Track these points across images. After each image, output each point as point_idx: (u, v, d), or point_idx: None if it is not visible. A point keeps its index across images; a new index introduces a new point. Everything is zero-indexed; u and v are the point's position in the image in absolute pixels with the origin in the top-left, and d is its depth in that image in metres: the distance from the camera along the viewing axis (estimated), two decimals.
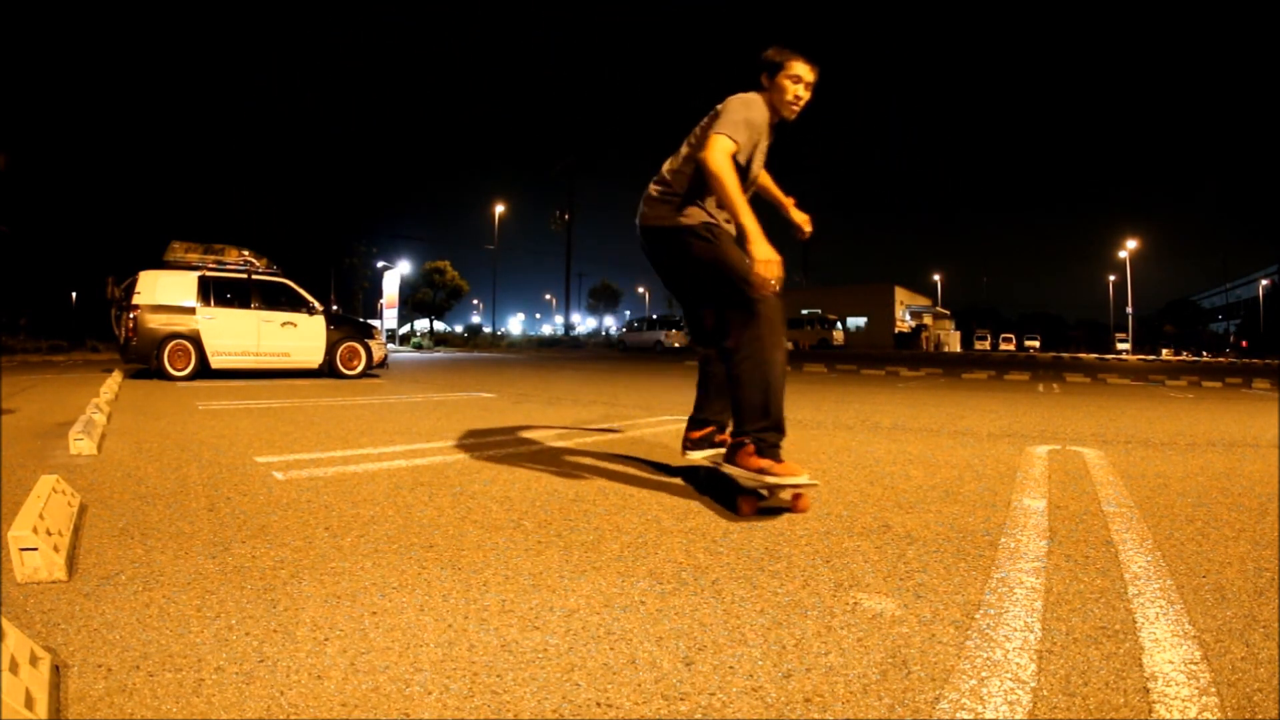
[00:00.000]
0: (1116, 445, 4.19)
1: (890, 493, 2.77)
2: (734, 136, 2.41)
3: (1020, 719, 1.12)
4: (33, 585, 1.63)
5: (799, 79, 2.51)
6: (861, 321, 53.13)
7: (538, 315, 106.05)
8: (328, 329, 9.76)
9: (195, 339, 8.93)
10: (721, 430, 2.85)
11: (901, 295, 57.61)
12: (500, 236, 42.53)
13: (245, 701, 1.15)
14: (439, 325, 48.72)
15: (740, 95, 2.51)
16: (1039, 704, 1.16)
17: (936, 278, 72.55)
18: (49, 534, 1.74)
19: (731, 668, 1.29)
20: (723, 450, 2.77)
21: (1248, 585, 1.74)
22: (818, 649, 1.37)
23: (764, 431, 2.41)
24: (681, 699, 1.18)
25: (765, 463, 2.38)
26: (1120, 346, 50.23)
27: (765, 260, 2.30)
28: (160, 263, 9.24)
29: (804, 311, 44.01)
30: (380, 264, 43.06)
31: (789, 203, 2.97)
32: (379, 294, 36.97)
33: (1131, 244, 52.85)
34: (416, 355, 23.36)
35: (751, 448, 2.41)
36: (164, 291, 8.93)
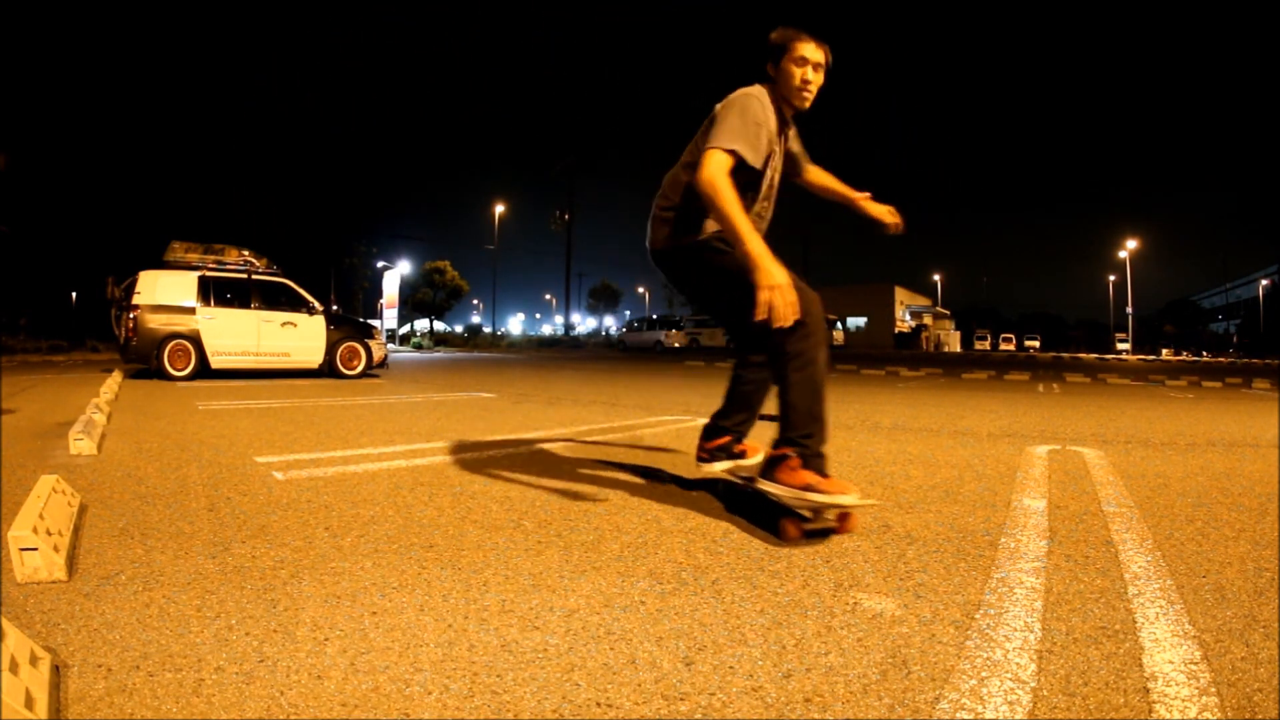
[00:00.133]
0: (1116, 445, 4.19)
1: (890, 493, 2.77)
2: (731, 147, 2.14)
3: (1020, 719, 1.12)
4: (33, 585, 1.63)
5: (805, 60, 2.23)
6: (861, 321, 53.14)
7: (538, 315, 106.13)
8: (328, 329, 9.76)
9: (195, 339, 8.93)
10: (739, 440, 2.67)
11: (901, 295, 57.61)
12: (500, 236, 42.57)
13: (245, 701, 1.15)
14: (439, 325, 48.73)
15: (738, 92, 2.25)
16: (1039, 704, 1.16)
17: (936, 278, 72.61)
18: (49, 534, 1.74)
19: (731, 668, 1.29)
20: (740, 461, 2.64)
21: (1248, 585, 1.74)
22: (818, 649, 1.37)
23: (810, 439, 2.14)
24: (681, 699, 1.18)
25: (811, 478, 2.08)
26: (1120, 346, 50.24)
27: (769, 287, 1.98)
28: (160, 263, 9.24)
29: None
30: (380, 264, 43.06)
31: (862, 198, 2.63)
32: (379, 294, 36.96)
33: (1131, 244, 52.87)
34: (416, 355, 23.36)
35: (796, 461, 2.12)
36: (164, 291, 8.93)
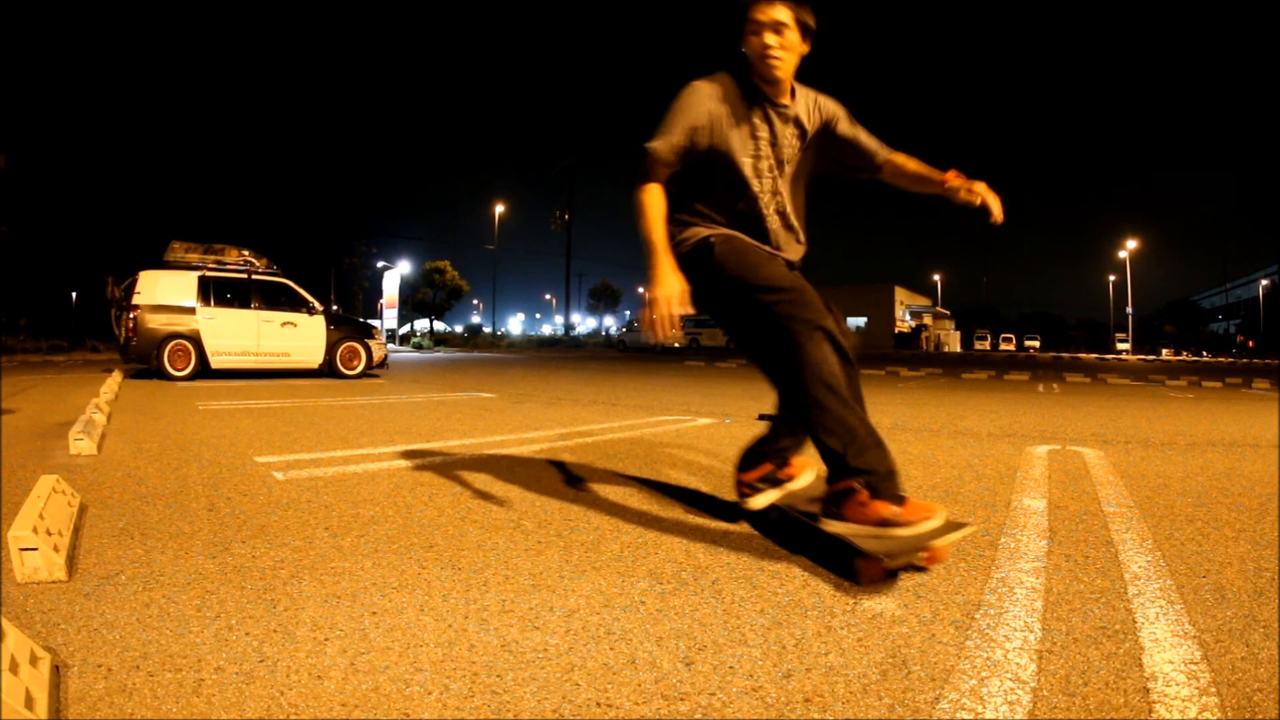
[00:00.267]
0: (1116, 445, 4.19)
1: None
2: (658, 140, 1.93)
3: (1020, 719, 1.12)
4: (33, 585, 1.63)
5: (761, 25, 1.91)
6: (861, 321, 53.14)
7: (538, 315, 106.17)
8: (328, 329, 9.76)
9: (195, 339, 8.94)
10: (783, 465, 2.27)
11: (901, 295, 57.63)
12: (500, 236, 42.58)
13: (245, 701, 1.15)
14: (439, 325, 48.73)
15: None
16: (1039, 704, 1.16)
17: (936, 278, 72.62)
18: (49, 534, 1.74)
19: (731, 668, 1.29)
20: (789, 487, 2.26)
21: (1248, 585, 1.74)
22: (818, 649, 1.37)
23: (867, 460, 1.78)
24: (681, 699, 1.18)
25: (886, 509, 1.74)
26: (1120, 346, 50.24)
27: (652, 298, 1.80)
28: (160, 263, 9.24)
29: None
30: (380, 264, 43.08)
31: (949, 178, 2.07)
32: (379, 294, 36.95)
33: (1131, 244, 52.90)
34: (416, 355, 23.36)
35: (864, 494, 1.77)
36: (164, 291, 8.93)
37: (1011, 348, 51.75)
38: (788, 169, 2.06)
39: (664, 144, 1.94)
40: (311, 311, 9.71)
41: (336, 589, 1.65)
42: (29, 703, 1.00)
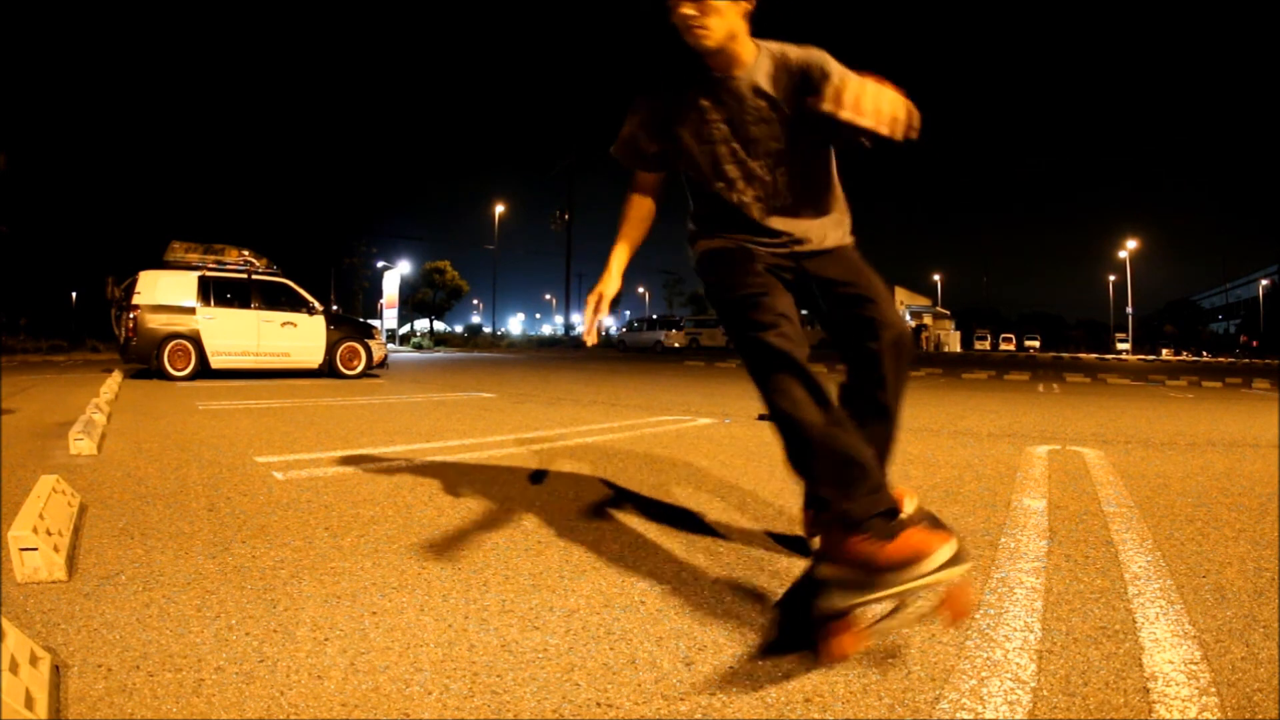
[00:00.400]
0: (1116, 445, 4.19)
1: None
2: (613, 145, 1.84)
3: (1020, 719, 1.12)
4: (33, 585, 1.63)
5: None
6: None
7: (538, 315, 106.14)
8: (328, 329, 9.76)
9: (195, 339, 8.93)
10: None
11: (901, 295, 57.57)
12: (500, 236, 42.57)
13: (245, 701, 1.15)
14: (439, 325, 48.71)
15: None
16: (1039, 704, 1.16)
17: (936, 278, 72.60)
18: (49, 534, 1.74)
19: (731, 668, 1.29)
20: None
21: (1248, 585, 1.74)
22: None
23: (838, 488, 1.45)
24: (681, 699, 1.18)
25: (868, 547, 1.35)
26: (1120, 346, 50.23)
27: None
28: (160, 263, 9.24)
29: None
30: (380, 264, 43.07)
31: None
32: (379, 294, 36.94)
33: (1131, 244, 52.89)
34: (416, 355, 23.36)
35: (848, 531, 1.41)
36: (164, 291, 8.93)
37: (1011, 348, 51.73)
38: (763, 147, 1.69)
39: (614, 147, 1.83)
40: (311, 311, 9.71)
41: (336, 589, 1.65)
42: (29, 703, 1.00)
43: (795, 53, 1.72)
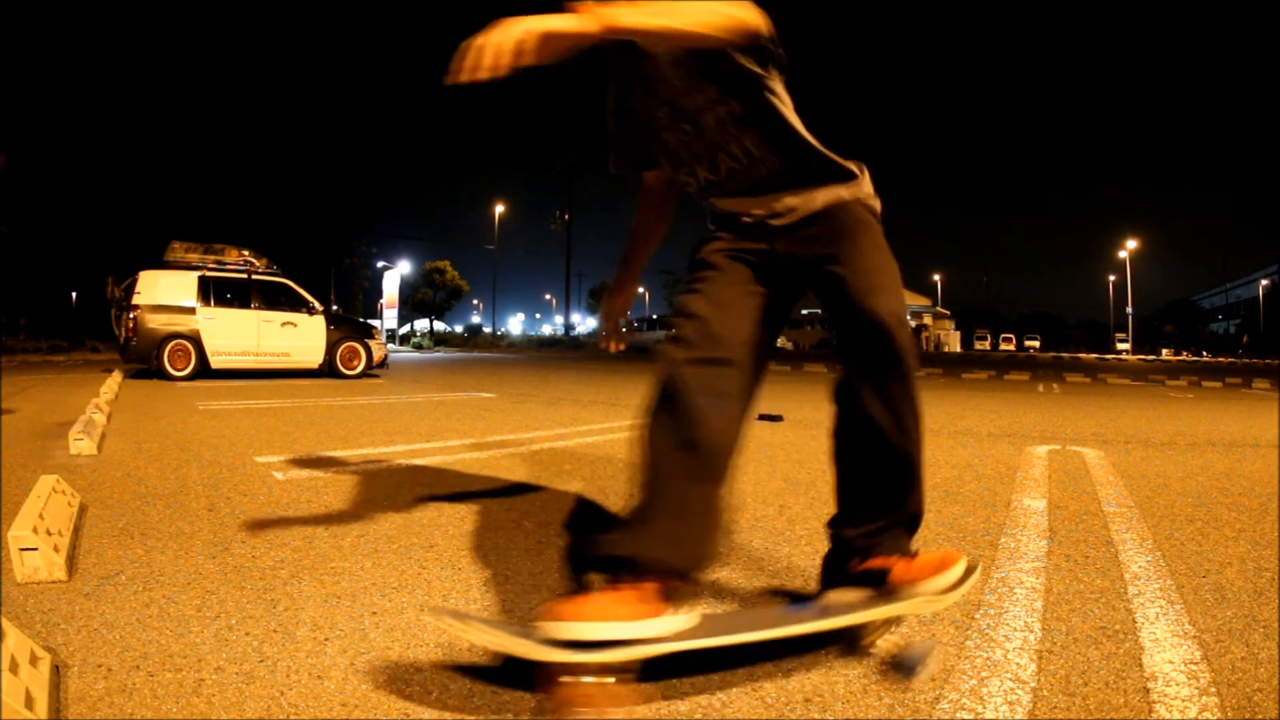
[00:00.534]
0: (1116, 445, 4.19)
1: None
2: None
3: (1020, 719, 1.12)
4: (33, 585, 1.63)
5: None
6: None
7: (538, 315, 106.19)
8: (328, 329, 9.76)
9: (195, 339, 8.93)
10: (865, 555, 1.40)
11: None
12: (500, 236, 42.56)
13: (245, 701, 1.15)
14: (439, 325, 48.73)
15: None
16: (1039, 704, 1.16)
17: (936, 278, 72.58)
18: (49, 534, 1.74)
19: (731, 668, 1.29)
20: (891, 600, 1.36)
21: (1248, 585, 1.74)
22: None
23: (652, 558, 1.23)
24: (681, 699, 1.18)
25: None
26: (1120, 346, 50.23)
27: None
28: (160, 263, 9.24)
29: (804, 311, 44.12)
30: (380, 264, 43.07)
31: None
32: (379, 294, 36.96)
33: (1131, 244, 52.89)
34: (416, 355, 23.36)
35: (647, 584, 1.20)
36: (164, 291, 8.93)
37: (1011, 348, 51.74)
38: (708, 116, 1.38)
39: (610, 159, 1.63)
40: (311, 311, 9.71)
41: (336, 589, 1.65)
42: (29, 703, 1.00)
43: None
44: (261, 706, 1.13)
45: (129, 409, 5.48)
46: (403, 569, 1.80)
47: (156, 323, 8.78)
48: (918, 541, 1.44)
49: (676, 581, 1.23)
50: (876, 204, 1.47)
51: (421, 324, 49.28)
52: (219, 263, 9.52)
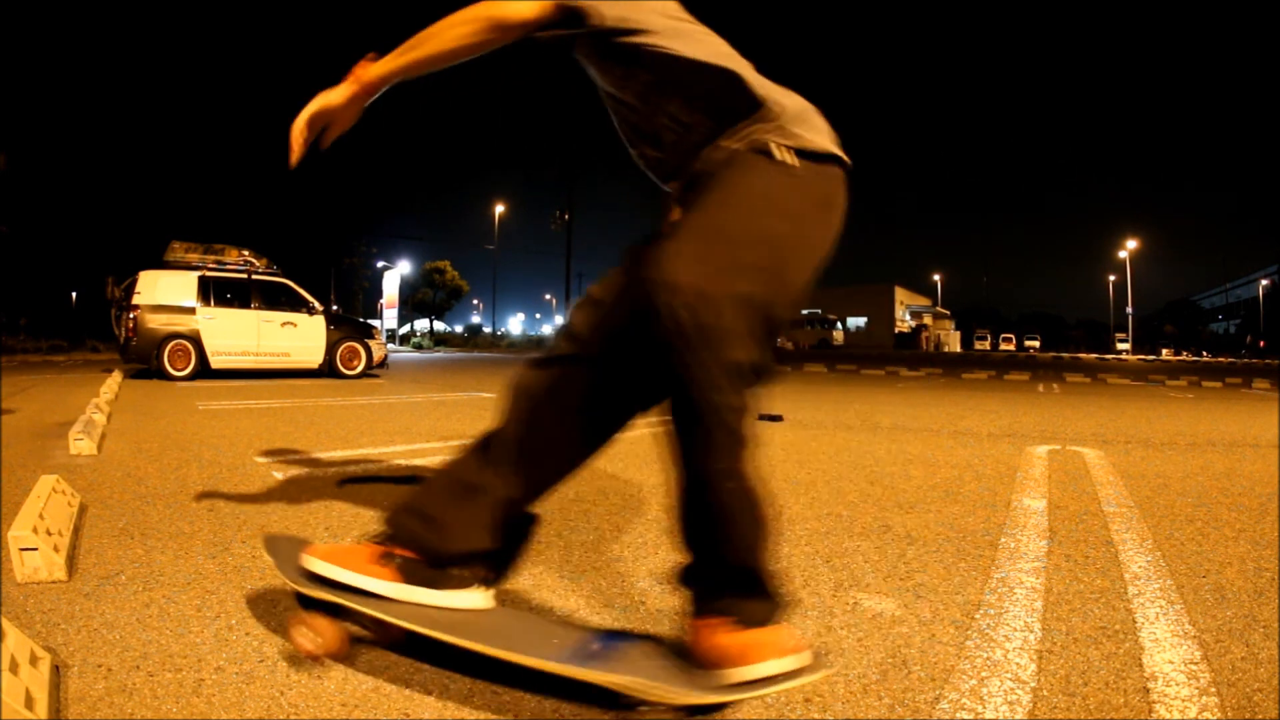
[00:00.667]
0: (1116, 445, 4.19)
1: (890, 493, 2.77)
2: None
3: (1020, 719, 1.12)
4: (33, 585, 1.63)
5: None
6: (861, 321, 53.19)
7: (538, 315, 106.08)
8: (328, 329, 9.76)
9: (195, 339, 8.93)
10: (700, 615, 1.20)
11: (901, 295, 57.65)
12: (500, 236, 42.57)
13: (245, 701, 1.15)
14: (439, 325, 48.74)
15: None
16: (1039, 704, 1.16)
17: (936, 278, 72.58)
18: (49, 534, 1.74)
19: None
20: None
21: (1248, 585, 1.74)
22: (818, 649, 1.37)
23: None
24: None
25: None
26: (1120, 347, 50.24)
27: None
28: (160, 263, 9.24)
29: (804, 311, 44.15)
30: (380, 264, 43.08)
31: None
32: (379, 294, 36.96)
33: (1131, 244, 52.90)
34: (416, 355, 23.35)
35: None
36: (164, 291, 8.93)
37: (1011, 348, 51.73)
38: (628, 92, 1.26)
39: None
40: (311, 311, 9.71)
41: None
42: (29, 703, 1.00)
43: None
44: (261, 706, 1.13)
45: (129, 409, 5.48)
46: None
47: (156, 323, 8.78)
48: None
49: (416, 554, 1.25)
50: (795, 141, 1.15)
51: (421, 324, 49.28)
52: (219, 263, 9.52)
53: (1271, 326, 50.39)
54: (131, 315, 8.72)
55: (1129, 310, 53.59)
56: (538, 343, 44.82)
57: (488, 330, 50.91)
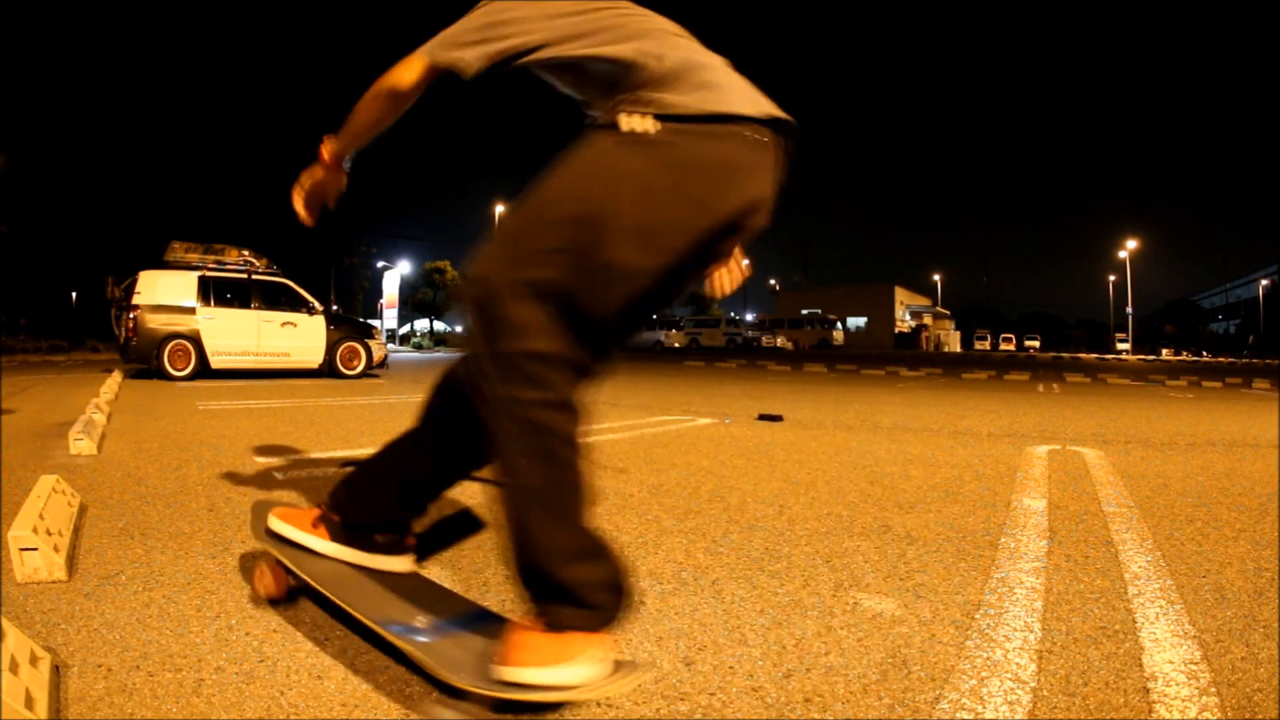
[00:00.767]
0: (1116, 445, 4.19)
1: (890, 493, 2.77)
2: None
3: (1020, 719, 1.12)
4: (33, 585, 1.63)
5: None
6: (861, 321, 53.23)
7: None
8: (328, 329, 9.76)
9: (195, 339, 8.94)
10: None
11: (901, 295, 57.68)
12: None
13: (245, 701, 1.15)
14: (439, 325, 48.74)
15: None
16: (1039, 704, 1.16)
17: (936, 278, 72.55)
18: (49, 534, 1.74)
19: (731, 668, 1.29)
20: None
21: (1248, 585, 1.74)
22: (818, 649, 1.37)
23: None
24: (681, 699, 1.18)
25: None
26: (1120, 347, 50.22)
27: None
28: (160, 263, 9.25)
29: (804, 311, 44.21)
30: (380, 264, 43.11)
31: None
32: (379, 294, 37.00)
33: (1131, 244, 52.88)
34: (416, 355, 23.36)
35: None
36: (164, 291, 8.94)
37: (1011, 348, 51.71)
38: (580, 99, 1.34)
39: None
40: (311, 311, 9.72)
41: None
42: (29, 703, 1.00)
43: None
44: (261, 706, 1.13)
45: (129, 409, 5.48)
46: None
47: (156, 323, 8.78)
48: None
49: (339, 518, 1.45)
50: (655, 107, 1.08)
51: (421, 324, 49.31)
52: (219, 263, 9.53)
53: (1272, 326, 50.38)
54: (131, 315, 8.72)
55: (1129, 310, 53.58)
56: None
57: None
